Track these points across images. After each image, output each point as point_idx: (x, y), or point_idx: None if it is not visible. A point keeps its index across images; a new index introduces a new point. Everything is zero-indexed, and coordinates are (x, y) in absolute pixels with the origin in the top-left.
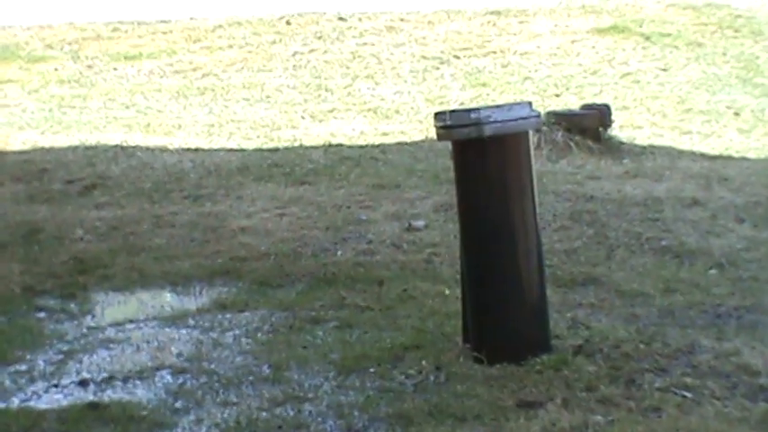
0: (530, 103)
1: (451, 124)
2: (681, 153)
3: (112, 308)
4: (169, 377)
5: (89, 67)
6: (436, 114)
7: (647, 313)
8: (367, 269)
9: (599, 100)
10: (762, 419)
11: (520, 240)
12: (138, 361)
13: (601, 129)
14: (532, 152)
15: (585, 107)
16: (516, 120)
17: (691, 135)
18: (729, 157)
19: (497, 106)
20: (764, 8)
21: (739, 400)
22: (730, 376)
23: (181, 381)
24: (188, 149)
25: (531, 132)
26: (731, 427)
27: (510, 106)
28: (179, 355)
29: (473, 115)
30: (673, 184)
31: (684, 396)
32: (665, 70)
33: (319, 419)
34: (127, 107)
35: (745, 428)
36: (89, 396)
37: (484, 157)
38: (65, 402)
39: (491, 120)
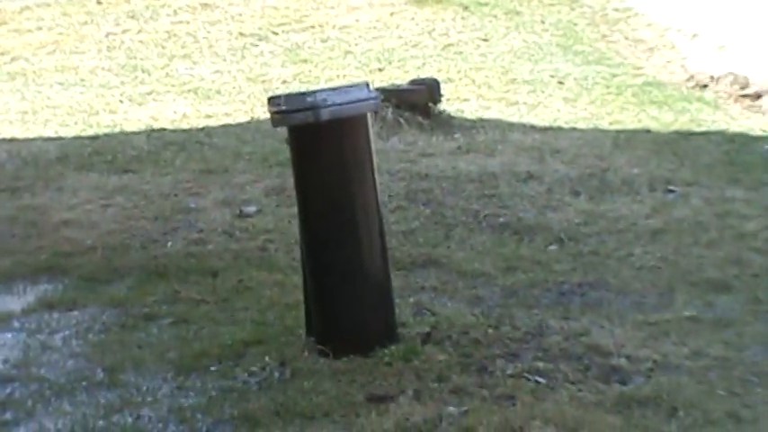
0: (367, 85)
1: (286, 109)
2: (511, 126)
3: None
4: None
5: None
6: (270, 99)
7: (490, 294)
8: (199, 260)
9: (423, 73)
10: (616, 402)
11: (361, 226)
12: None
13: (430, 104)
14: (371, 134)
15: (414, 82)
16: (354, 102)
17: (518, 106)
18: (559, 129)
19: (334, 89)
20: None
21: (593, 383)
22: (582, 358)
23: (9, 390)
24: (2, 140)
25: (369, 114)
26: (587, 412)
27: (347, 89)
28: (5, 361)
29: (309, 99)
30: (506, 159)
31: (537, 382)
32: (485, 40)
33: (160, 425)
34: None
35: (601, 412)
36: None
37: (322, 142)
38: None
39: (328, 103)
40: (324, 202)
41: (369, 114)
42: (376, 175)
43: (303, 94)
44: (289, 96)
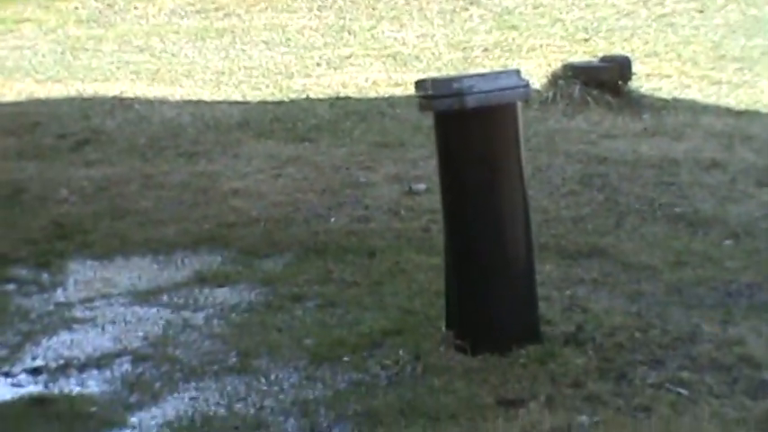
0: (518, 72)
1: (432, 94)
2: (705, 108)
3: (86, 280)
4: (128, 365)
5: (109, 5)
6: (417, 83)
7: (652, 290)
8: (360, 238)
9: (629, 45)
10: (761, 419)
11: (506, 218)
12: (100, 345)
13: (620, 82)
14: (520, 123)
15: (605, 59)
16: (502, 90)
17: (720, 85)
18: (756, 113)
19: (482, 75)
20: None
21: (738, 398)
22: (731, 370)
23: (140, 370)
24: (189, 101)
25: (519, 103)
26: (726, 430)
27: (496, 75)
28: (144, 338)
29: (455, 85)
30: (692, 144)
31: (679, 393)
32: (701, 12)
33: (281, 418)
34: (141, 50)
35: (742, 430)
36: (38, 388)
37: (466, 130)
38: (9, 396)
39: (474, 90)
40: (467, 193)
41: (518, 103)
42: (523, 166)
43: (450, 79)
44: (435, 81)
